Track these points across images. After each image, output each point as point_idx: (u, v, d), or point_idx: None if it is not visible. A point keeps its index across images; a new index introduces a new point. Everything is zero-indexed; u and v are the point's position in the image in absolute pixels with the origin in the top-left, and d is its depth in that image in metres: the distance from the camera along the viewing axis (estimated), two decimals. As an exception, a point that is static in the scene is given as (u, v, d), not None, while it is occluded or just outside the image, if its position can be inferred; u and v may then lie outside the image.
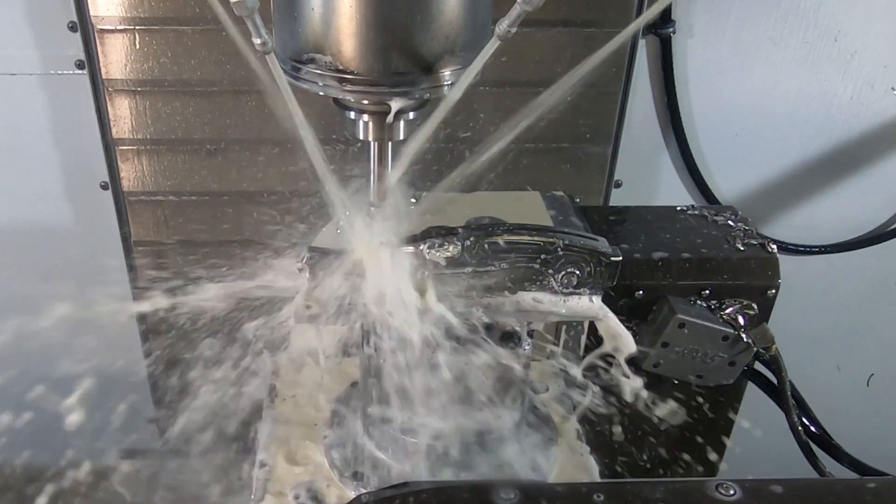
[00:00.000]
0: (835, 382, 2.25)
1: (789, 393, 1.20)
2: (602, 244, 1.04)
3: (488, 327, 1.08)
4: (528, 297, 1.06)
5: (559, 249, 1.02)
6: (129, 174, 1.76)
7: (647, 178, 1.88)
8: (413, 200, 1.05)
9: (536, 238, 1.02)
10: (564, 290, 1.05)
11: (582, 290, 1.06)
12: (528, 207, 1.27)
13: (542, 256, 1.02)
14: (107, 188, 1.79)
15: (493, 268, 1.02)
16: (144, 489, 2.11)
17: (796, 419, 1.19)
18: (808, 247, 1.97)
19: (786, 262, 1.98)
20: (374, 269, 0.99)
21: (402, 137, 0.95)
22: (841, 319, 2.13)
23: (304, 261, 0.98)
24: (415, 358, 1.05)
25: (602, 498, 0.80)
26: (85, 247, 1.88)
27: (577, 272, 1.04)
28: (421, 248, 0.99)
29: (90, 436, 1.20)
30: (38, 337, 1.10)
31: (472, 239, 1.00)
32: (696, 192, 1.88)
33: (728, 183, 1.90)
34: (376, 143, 0.95)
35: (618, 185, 1.86)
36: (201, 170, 1.75)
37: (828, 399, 2.18)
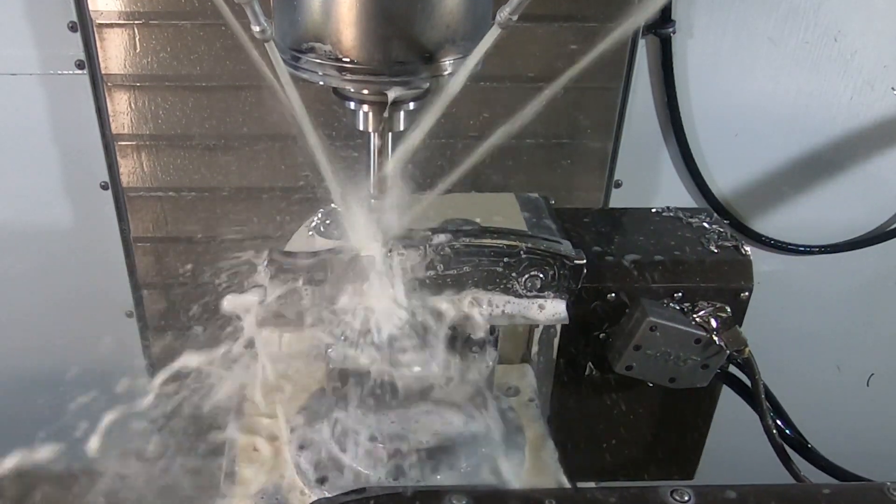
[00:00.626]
0: (835, 382, 2.24)
1: (763, 396, 1.18)
2: (566, 247, 1.04)
3: (453, 331, 1.08)
4: (492, 300, 1.06)
5: (522, 252, 1.02)
6: (129, 171, 1.75)
7: (647, 178, 1.88)
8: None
9: (499, 241, 1.02)
10: (528, 294, 1.05)
11: (546, 293, 1.06)
12: (502, 209, 1.26)
13: (506, 259, 1.02)
14: (107, 188, 1.78)
15: (457, 271, 1.02)
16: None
17: (771, 422, 1.18)
18: (809, 246, 1.97)
19: (786, 262, 2.00)
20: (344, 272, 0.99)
21: (402, 128, 0.95)
22: (841, 319, 2.13)
23: (266, 264, 0.99)
24: (380, 363, 1.05)
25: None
26: (85, 245, 1.88)
27: (541, 275, 1.04)
28: (388, 251, 0.99)
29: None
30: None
31: (435, 241, 1.00)
32: (696, 192, 1.88)
33: (728, 183, 1.90)
34: (376, 134, 0.95)
35: (618, 184, 1.86)
36: (201, 166, 1.75)
37: (828, 399, 2.19)
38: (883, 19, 1.74)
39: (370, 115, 0.93)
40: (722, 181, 1.89)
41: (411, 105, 0.94)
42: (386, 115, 0.92)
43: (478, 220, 1.14)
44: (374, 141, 0.96)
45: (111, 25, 1.59)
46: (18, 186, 1.82)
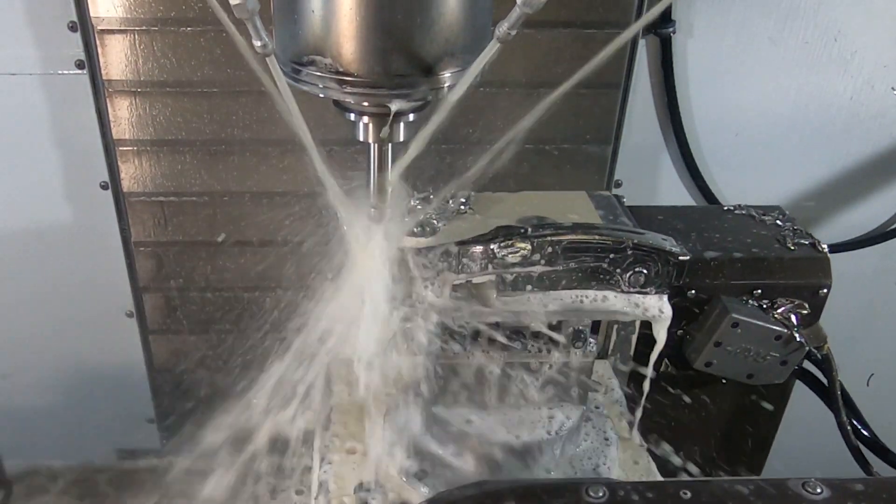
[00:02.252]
0: (834, 382, 2.24)
1: (839, 393, 1.19)
2: (670, 243, 1.05)
3: (553, 327, 1.09)
4: (595, 296, 1.06)
5: (628, 249, 1.03)
6: (129, 175, 1.76)
7: (647, 178, 1.88)
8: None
9: (606, 237, 1.02)
10: (631, 289, 1.06)
11: (649, 289, 1.06)
12: (576, 207, 1.27)
13: (611, 256, 1.03)
14: (107, 188, 1.79)
15: (561, 267, 1.03)
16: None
17: (846, 420, 1.19)
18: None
19: (785, 262, 2.00)
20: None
21: (402, 139, 0.95)
22: (841, 319, 2.12)
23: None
24: (480, 357, 1.06)
25: (689, 495, 0.80)
26: (85, 245, 1.88)
27: (645, 271, 1.05)
28: (491, 246, 1.00)
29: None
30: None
31: (541, 238, 1.00)
32: (696, 192, 1.88)
33: (728, 183, 1.90)
34: (376, 145, 0.95)
35: (618, 184, 1.86)
36: (201, 170, 1.75)
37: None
38: (883, 19, 1.74)
39: (370, 126, 0.93)
40: (722, 181, 1.89)
41: (411, 116, 0.94)
42: (387, 129, 0.92)
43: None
44: (374, 151, 0.96)
45: (112, 31, 1.60)
46: (19, 187, 1.82)
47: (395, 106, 0.88)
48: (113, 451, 2.22)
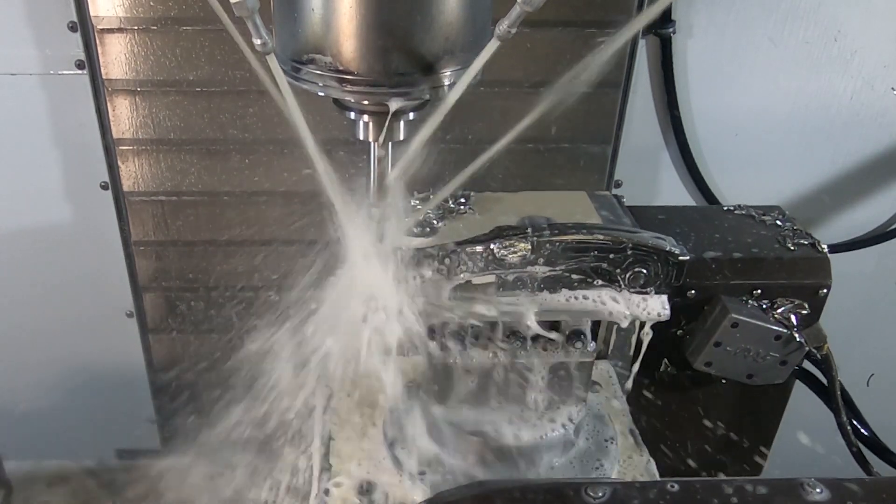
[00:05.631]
0: (834, 382, 2.24)
1: (839, 393, 1.19)
2: (670, 243, 1.05)
3: (553, 327, 1.09)
4: (595, 296, 1.06)
5: (628, 249, 1.03)
6: (129, 174, 1.76)
7: (647, 178, 1.88)
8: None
9: (606, 237, 1.03)
10: (631, 289, 1.06)
11: (648, 289, 1.06)
12: (576, 207, 1.27)
13: (611, 255, 1.03)
14: (107, 188, 1.79)
15: (562, 266, 1.03)
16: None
17: (846, 420, 1.19)
18: (808, 247, 1.97)
19: (785, 262, 2.00)
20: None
21: (402, 138, 0.95)
22: (841, 319, 2.12)
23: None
24: (481, 358, 1.06)
25: (700, 497, 0.80)
26: (85, 245, 1.88)
27: (645, 271, 1.05)
28: (492, 246, 1.00)
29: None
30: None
31: (541, 238, 1.00)
32: (696, 192, 1.88)
33: (728, 183, 1.90)
34: (376, 144, 0.95)
35: (618, 184, 1.86)
36: (201, 170, 1.75)
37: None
38: (883, 19, 1.74)
39: (370, 125, 0.93)
40: (722, 181, 1.89)
41: (411, 115, 0.94)
42: (387, 127, 0.92)
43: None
44: (375, 150, 0.96)
45: (112, 31, 1.59)
46: (19, 187, 1.82)
47: (394, 104, 0.88)
48: (113, 450, 2.22)
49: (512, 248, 1.02)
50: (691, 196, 1.90)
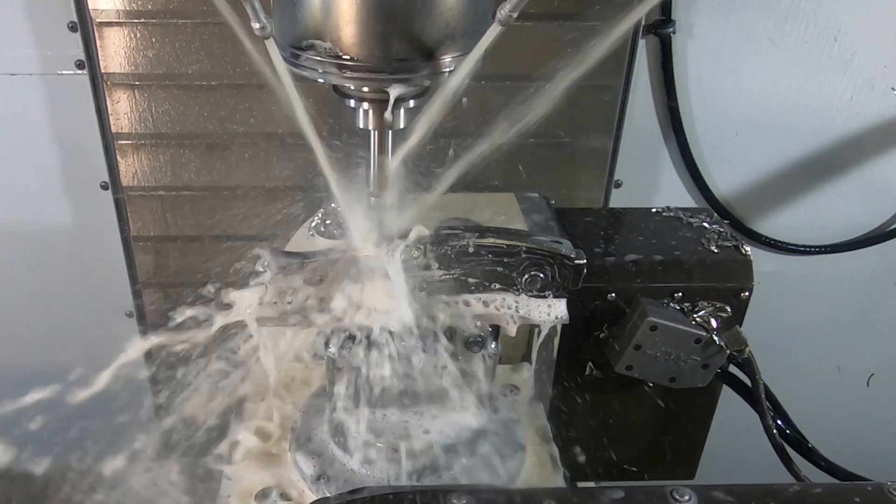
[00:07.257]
0: (835, 382, 2.24)
1: (763, 395, 1.18)
2: (566, 247, 1.04)
3: (452, 331, 1.08)
4: (492, 300, 1.06)
5: (522, 252, 1.02)
6: (129, 170, 1.75)
7: (647, 178, 1.88)
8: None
9: (500, 241, 1.02)
10: (529, 293, 1.06)
11: (547, 293, 1.06)
12: (503, 209, 1.27)
13: (506, 259, 1.02)
14: (107, 188, 1.78)
15: (457, 271, 1.02)
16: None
17: (771, 422, 1.18)
18: (809, 246, 1.96)
19: (786, 262, 2.00)
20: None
21: (402, 126, 0.95)
22: (841, 319, 2.13)
23: (265, 264, 0.99)
24: (382, 362, 1.05)
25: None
26: (85, 244, 1.88)
27: (542, 275, 1.04)
28: (387, 251, 0.99)
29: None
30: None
31: (436, 242, 1.00)
32: (696, 192, 1.88)
33: (728, 182, 1.90)
34: (376, 132, 0.95)
35: (618, 184, 1.85)
36: (201, 165, 1.75)
37: (828, 399, 2.19)
38: (883, 19, 1.74)
39: (370, 112, 0.93)
40: (722, 181, 1.89)
41: (411, 103, 0.93)
42: (388, 114, 0.92)
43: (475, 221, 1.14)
44: (374, 139, 0.96)
45: (111, 24, 1.59)
46: (18, 186, 1.81)
47: (395, 91, 0.88)
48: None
49: (406, 253, 1.00)
50: (691, 196, 1.90)
